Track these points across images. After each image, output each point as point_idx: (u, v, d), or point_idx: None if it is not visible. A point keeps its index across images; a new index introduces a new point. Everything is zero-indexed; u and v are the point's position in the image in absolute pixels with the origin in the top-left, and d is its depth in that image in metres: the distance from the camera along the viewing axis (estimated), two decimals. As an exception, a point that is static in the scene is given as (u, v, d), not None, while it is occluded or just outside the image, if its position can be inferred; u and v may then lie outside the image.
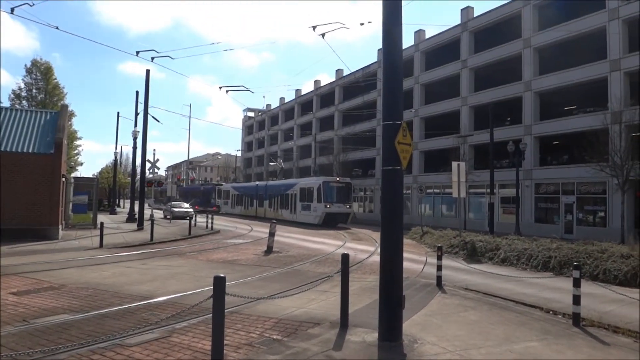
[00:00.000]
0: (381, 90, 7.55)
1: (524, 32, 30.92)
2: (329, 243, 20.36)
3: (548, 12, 30.07)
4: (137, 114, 29.90)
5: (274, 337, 6.17)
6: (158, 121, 34.64)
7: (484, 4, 65.20)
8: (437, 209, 37.87)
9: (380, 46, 6.54)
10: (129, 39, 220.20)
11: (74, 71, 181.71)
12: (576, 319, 7.17)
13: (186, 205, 39.19)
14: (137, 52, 17.32)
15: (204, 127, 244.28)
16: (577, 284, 7.21)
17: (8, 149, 18.22)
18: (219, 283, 4.67)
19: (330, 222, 31.54)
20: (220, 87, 23.16)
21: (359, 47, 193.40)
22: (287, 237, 22.73)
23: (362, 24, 17.87)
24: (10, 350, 5.32)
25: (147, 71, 26.64)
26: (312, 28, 15.18)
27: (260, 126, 74.36)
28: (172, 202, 38.83)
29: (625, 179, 21.76)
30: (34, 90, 38.80)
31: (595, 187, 26.36)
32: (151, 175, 35.11)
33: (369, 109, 44.86)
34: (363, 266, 13.46)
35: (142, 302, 8.04)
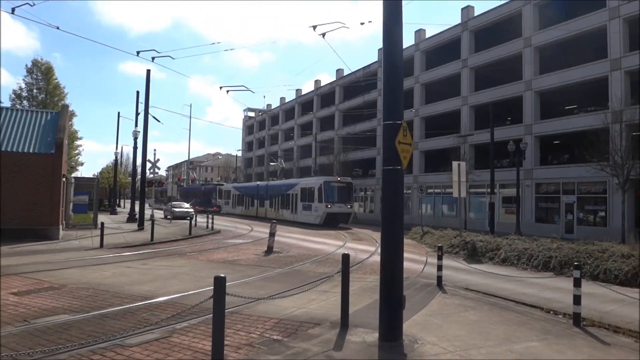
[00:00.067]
0: (381, 90, 7.55)
1: (525, 31, 30.90)
2: (329, 243, 20.36)
3: (548, 11, 30.04)
4: (137, 114, 29.94)
5: (274, 337, 6.17)
6: (159, 121, 34.70)
7: (484, 3, 65.19)
8: (438, 208, 37.85)
9: (381, 46, 6.54)
10: (129, 39, 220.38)
11: (74, 71, 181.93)
12: (577, 319, 7.17)
13: (186, 205, 39.20)
14: (138, 52, 17.33)
15: (205, 127, 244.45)
16: (577, 283, 7.21)
17: (9, 149, 18.24)
18: (220, 283, 4.67)
19: (331, 222, 31.51)
20: (220, 87, 23.17)
21: (360, 46, 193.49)
22: (288, 237, 22.73)
23: (362, 24, 17.87)
24: (11, 350, 5.32)
25: (148, 71, 26.66)
26: (312, 28, 15.16)
27: (260, 126, 74.36)
28: (173, 202, 38.86)
29: (625, 178, 21.74)
30: (35, 90, 38.83)
31: (596, 187, 26.34)
32: (152, 175, 35.12)
33: (370, 109, 44.84)
34: (363, 266, 13.46)
35: (142, 302, 8.05)
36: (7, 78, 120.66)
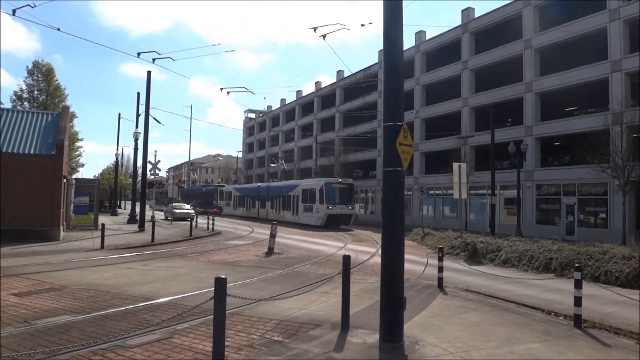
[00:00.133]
0: (382, 91, 7.58)
1: (525, 33, 30.91)
2: (330, 244, 20.35)
3: (549, 12, 30.05)
4: (138, 115, 29.96)
5: (275, 338, 6.16)
6: (159, 122, 34.68)
7: (484, 4, 65.21)
8: (438, 210, 37.84)
9: (381, 47, 6.54)
10: (130, 40, 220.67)
11: (75, 72, 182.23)
12: (577, 321, 7.16)
13: (187, 206, 39.22)
14: (139, 54, 17.35)
15: (205, 128, 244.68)
16: (578, 285, 7.21)
17: (10, 150, 18.26)
18: (220, 284, 4.67)
19: (333, 224, 31.45)
20: (221, 89, 23.16)
21: (360, 48, 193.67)
22: (288, 238, 22.72)
23: (362, 25, 17.89)
24: (12, 351, 5.32)
25: (149, 72, 26.70)
26: (313, 29, 15.21)
27: (261, 127, 74.38)
28: (173, 204, 38.87)
29: (626, 180, 21.73)
30: (36, 92, 38.84)
31: (597, 188, 26.33)
32: (152, 177, 35.14)
33: (370, 110, 44.85)
34: (364, 267, 13.45)
35: (143, 304, 8.05)
36: (8, 79, 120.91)
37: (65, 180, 21.70)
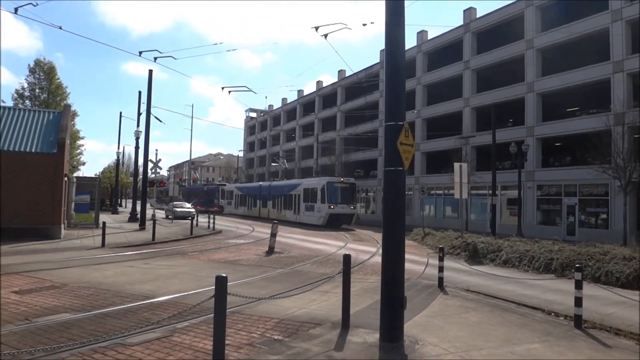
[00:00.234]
0: (383, 91, 7.56)
1: (527, 33, 30.87)
2: (330, 244, 20.36)
3: (551, 13, 30.02)
4: (139, 114, 29.99)
5: (275, 337, 6.17)
6: (160, 121, 34.83)
7: (486, 4, 65.14)
8: (439, 210, 37.82)
9: (383, 47, 6.53)
10: (131, 39, 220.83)
11: (77, 71, 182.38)
12: (578, 321, 7.16)
13: (188, 205, 39.24)
14: (140, 53, 17.35)
15: (206, 127, 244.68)
16: (579, 285, 7.20)
17: (11, 149, 18.28)
18: (221, 283, 4.67)
19: (334, 223, 31.41)
20: (222, 88, 23.17)
21: (362, 47, 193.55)
22: (289, 237, 22.73)
23: (364, 25, 17.86)
24: (12, 349, 5.33)
25: (150, 71, 26.73)
26: (314, 29, 15.19)
27: (262, 127, 74.39)
28: (174, 202, 38.90)
29: (627, 180, 21.70)
30: (37, 90, 38.87)
31: (598, 189, 26.30)
32: (153, 176, 35.20)
33: (371, 110, 44.83)
34: (364, 267, 13.45)
35: (143, 302, 8.06)
36: (9, 77, 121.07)
37: (66, 179, 21.72)
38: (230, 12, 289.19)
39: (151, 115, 26.39)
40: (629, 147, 21.96)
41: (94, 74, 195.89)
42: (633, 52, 25.00)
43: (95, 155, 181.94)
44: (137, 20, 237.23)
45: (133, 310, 7.53)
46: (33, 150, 18.68)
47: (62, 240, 18.06)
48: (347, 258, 6.89)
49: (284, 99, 67.86)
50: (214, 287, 4.69)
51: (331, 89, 54.69)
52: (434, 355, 5.62)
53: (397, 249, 6.09)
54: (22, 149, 18.48)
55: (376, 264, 13.15)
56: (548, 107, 30.20)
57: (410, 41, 40.12)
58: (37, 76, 38.83)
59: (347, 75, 50.74)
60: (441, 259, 10.32)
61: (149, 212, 28.90)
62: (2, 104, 26.78)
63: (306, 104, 60.55)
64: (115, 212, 40.31)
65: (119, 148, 43.70)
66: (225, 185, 57.93)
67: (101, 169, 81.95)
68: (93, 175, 57.40)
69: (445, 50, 38.20)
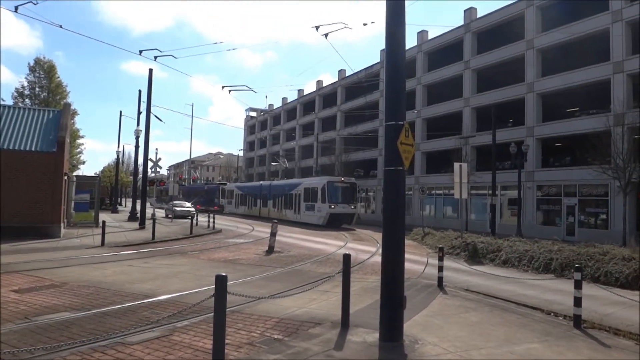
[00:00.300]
0: (384, 90, 7.57)
1: (527, 33, 30.88)
2: (330, 243, 20.36)
3: (551, 13, 30.02)
4: (139, 113, 29.97)
5: (275, 336, 6.17)
6: (160, 120, 34.85)
7: (487, 5, 65.13)
8: (439, 210, 37.83)
9: (383, 47, 6.54)
10: (132, 38, 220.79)
11: (77, 70, 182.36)
12: (577, 321, 7.16)
13: (188, 204, 39.24)
14: (140, 51, 17.35)
15: (206, 126, 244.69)
16: (578, 286, 7.21)
17: (11, 147, 18.28)
18: (221, 282, 4.68)
19: (335, 223, 31.35)
20: (222, 87, 23.18)
21: (362, 47, 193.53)
22: (289, 237, 22.73)
23: (365, 24, 17.87)
24: (12, 347, 5.33)
25: (150, 70, 26.75)
26: (315, 28, 15.21)
27: (262, 126, 74.38)
28: (174, 201, 38.90)
29: (627, 181, 21.72)
30: (37, 89, 38.87)
31: (597, 190, 26.31)
32: (153, 175, 35.19)
33: (371, 110, 44.83)
34: (364, 266, 13.46)
35: (143, 301, 8.06)
36: (9, 76, 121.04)
37: (66, 178, 21.72)
38: (230, 12, 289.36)
39: (151, 114, 26.42)
40: (629, 148, 21.98)
41: (94, 72, 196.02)
42: (633, 52, 25.01)
43: (95, 154, 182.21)
44: (138, 19, 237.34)
45: (133, 309, 7.53)
46: (33, 148, 18.67)
47: (62, 239, 18.06)
48: (347, 257, 6.89)
49: (284, 99, 67.87)
50: (213, 286, 4.69)
51: (331, 89, 54.70)
52: (433, 354, 5.63)
53: (397, 249, 6.09)
54: (22, 148, 18.47)
55: (376, 264, 13.16)
56: (548, 107, 30.21)
57: (410, 41, 40.12)
58: (37, 75, 38.83)
59: (347, 74, 50.73)
60: (441, 259, 10.33)
61: (148, 211, 28.89)
62: (2, 103, 26.76)
63: (306, 104, 60.55)
64: (115, 211, 40.31)
65: (118, 147, 43.77)
66: (225, 184, 57.91)
67: (101, 168, 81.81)
68: (93, 174, 57.42)
69: (445, 50, 38.19)
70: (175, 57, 20.03)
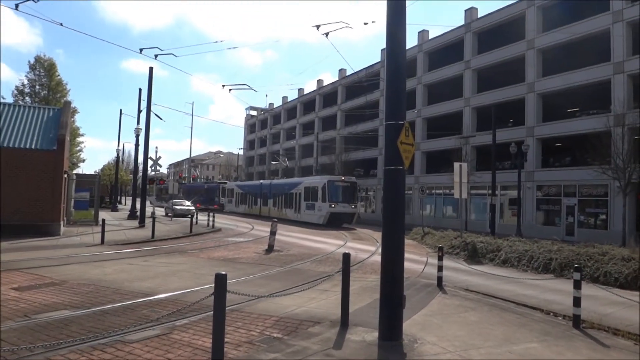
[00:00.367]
0: (384, 90, 7.57)
1: (528, 33, 30.87)
2: (330, 242, 20.37)
3: (552, 13, 30.01)
4: (139, 111, 29.94)
5: (275, 335, 6.18)
6: (161, 119, 34.80)
7: (488, 4, 65.11)
8: (439, 209, 37.84)
9: (384, 46, 6.55)
10: (132, 36, 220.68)
11: (77, 68, 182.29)
12: (576, 321, 7.17)
13: (188, 203, 39.23)
14: (141, 50, 17.36)
15: (207, 125, 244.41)
16: (577, 286, 7.21)
17: (11, 145, 18.28)
18: (221, 281, 4.68)
19: (335, 222, 31.28)
20: (223, 86, 23.24)
21: (362, 46, 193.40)
22: (288, 236, 22.74)
23: (365, 24, 17.86)
24: (12, 345, 5.33)
25: (151, 69, 26.75)
26: (315, 27, 15.19)
27: (262, 125, 74.38)
28: (174, 200, 38.90)
29: (627, 181, 21.73)
30: (37, 87, 38.84)
31: (597, 190, 26.32)
32: (153, 173, 35.19)
33: (372, 109, 44.83)
34: (364, 266, 13.47)
35: (143, 299, 8.07)
36: (9, 74, 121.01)
37: (66, 176, 21.72)
38: (231, 10, 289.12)
39: (151, 113, 26.41)
40: (629, 148, 21.99)
41: (94, 70, 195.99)
42: (634, 53, 25.00)
43: (95, 153, 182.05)
44: (138, 18, 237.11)
45: (132, 307, 7.54)
46: (33, 146, 18.67)
47: (62, 237, 18.06)
48: (346, 257, 6.89)
49: (284, 98, 67.87)
50: (213, 284, 4.69)
51: (332, 88, 54.69)
52: (432, 354, 5.64)
53: (396, 248, 6.10)
54: (22, 146, 18.47)
55: (375, 263, 13.17)
56: (548, 107, 30.21)
57: (411, 41, 40.09)
58: (37, 73, 38.80)
59: (347, 74, 50.73)
60: (440, 259, 10.34)
61: (148, 209, 28.90)
62: (2, 101, 26.77)
63: (306, 103, 60.54)
64: (114, 209, 40.29)
65: (118, 145, 43.81)
66: (226, 183, 57.91)
67: (101, 166, 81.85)
68: (93, 173, 57.44)
69: (446, 50, 38.18)
70: (176, 56, 20.07)
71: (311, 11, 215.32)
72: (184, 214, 34.37)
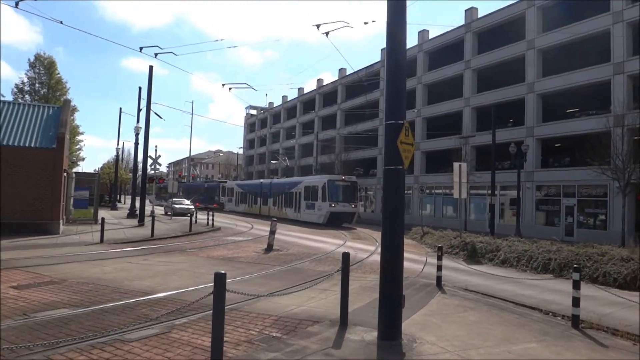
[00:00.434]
0: (384, 89, 7.56)
1: (528, 33, 30.87)
2: (329, 242, 20.37)
3: (552, 13, 30.01)
4: (139, 110, 29.92)
5: (274, 334, 6.18)
6: (160, 117, 34.76)
7: (488, 4, 65.09)
8: (439, 209, 37.85)
9: (384, 46, 6.56)
10: (132, 34, 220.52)
11: (77, 66, 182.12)
12: (575, 321, 7.18)
13: (187, 202, 39.21)
14: (141, 48, 17.33)
15: (206, 124, 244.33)
16: (576, 286, 7.22)
17: (10, 143, 18.26)
18: (220, 280, 4.68)
19: (335, 222, 31.21)
20: (223, 85, 23.16)
21: (363, 46, 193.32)
22: (288, 235, 22.74)
23: (366, 23, 17.83)
24: (11, 344, 5.33)
25: (150, 67, 26.71)
26: (316, 26, 15.16)
27: (262, 124, 74.36)
28: (173, 199, 38.89)
29: (626, 182, 21.74)
30: (37, 85, 38.78)
31: (597, 190, 26.33)
32: (152, 172, 35.17)
33: (372, 109, 44.82)
34: (363, 265, 13.47)
35: (142, 298, 8.07)
36: (9, 72, 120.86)
37: (65, 174, 21.71)
38: (231, 10, 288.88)
39: (151, 112, 26.37)
40: (628, 149, 22.01)
41: (94, 69, 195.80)
42: (634, 53, 25.01)
43: (94, 151, 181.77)
44: (138, 16, 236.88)
45: (132, 306, 7.53)
46: (32, 145, 18.65)
47: (61, 236, 18.05)
48: (345, 256, 6.89)
49: (284, 97, 67.84)
50: (212, 284, 4.69)
51: (332, 87, 54.68)
52: (431, 353, 5.64)
53: (396, 248, 6.10)
54: (21, 144, 18.45)
55: (375, 263, 13.18)
56: (548, 107, 30.21)
57: (411, 40, 40.07)
58: (37, 71, 38.73)
59: (347, 73, 50.71)
60: (440, 258, 10.34)
61: (148, 208, 28.88)
62: (2, 99, 26.74)
63: (306, 102, 60.53)
64: (114, 208, 40.27)
65: (118, 144, 43.77)
66: (226, 182, 57.90)
67: (100, 165, 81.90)
68: (92, 171, 57.38)
69: (446, 50, 38.18)
70: (176, 54, 20.08)
71: (311, 10, 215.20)
72: (183, 212, 34.37)
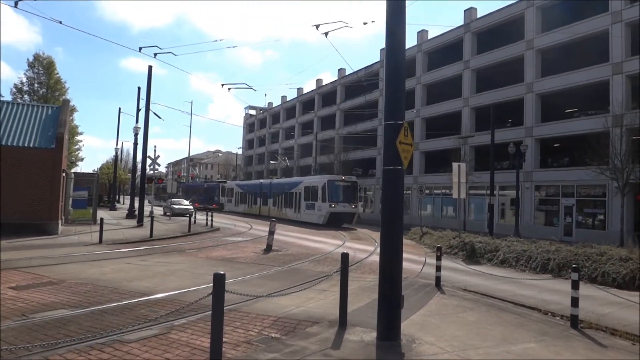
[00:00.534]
0: (383, 90, 7.57)
1: (527, 33, 30.89)
2: (328, 242, 20.37)
3: (551, 14, 30.04)
4: (138, 110, 29.92)
5: (273, 335, 6.18)
6: (160, 117, 34.76)
7: (487, 5, 65.14)
8: (438, 209, 37.86)
9: (383, 46, 6.55)
10: (131, 35, 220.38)
11: (76, 66, 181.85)
12: (574, 321, 7.18)
13: (186, 202, 39.18)
14: (140, 48, 17.32)
15: (205, 124, 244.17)
16: (575, 286, 7.23)
17: (9, 143, 18.24)
18: (219, 280, 4.68)
19: (335, 222, 31.12)
20: (222, 85, 23.17)
21: (362, 46, 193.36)
22: (287, 235, 22.74)
23: (365, 24, 17.86)
24: (9, 345, 5.32)
25: (150, 67, 26.67)
26: (315, 27, 15.17)
27: (261, 124, 74.34)
28: (172, 199, 38.86)
29: (625, 182, 21.77)
30: (36, 85, 38.75)
31: (595, 190, 26.36)
32: (151, 172, 35.13)
33: (371, 109, 44.83)
34: (362, 266, 13.47)
35: (141, 299, 8.06)
36: (8, 72, 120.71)
37: (64, 174, 21.68)
38: (231, 10, 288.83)
39: (150, 112, 26.36)
40: (627, 149, 22.03)
41: (93, 69, 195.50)
42: (632, 54, 25.04)
43: (93, 151, 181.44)
44: (138, 16, 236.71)
45: (130, 307, 7.53)
46: (31, 145, 18.63)
47: (60, 236, 18.03)
48: (345, 256, 6.89)
49: (283, 97, 67.82)
50: (211, 284, 4.69)
51: (331, 87, 54.68)
52: (430, 354, 5.64)
53: (395, 248, 6.10)
54: (20, 144, 18.43)
55: (374, 263, 13.18)
56: (547, 107, 30.24)
57: (410, 40, 40.11)
58: (36, 71, 38.70)
59: (347, 73, 50.70)
60: (439, 259, 10.35)
61: (146, 208, 28.86)
62: (1, 99, 26.73)
63: (306, 102, 60.52)
64: (113, 208, 40.24)
65: (117, 144, 43.65)
66: (225, 182, 57.85)
67: (99, 165, 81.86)
68: (91, 171, 57.36)
69: (445, 50, 38.19)
70: (175, 55, 20.06)
71: (311, 11, 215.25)
72: (182, 213, 34.34)
